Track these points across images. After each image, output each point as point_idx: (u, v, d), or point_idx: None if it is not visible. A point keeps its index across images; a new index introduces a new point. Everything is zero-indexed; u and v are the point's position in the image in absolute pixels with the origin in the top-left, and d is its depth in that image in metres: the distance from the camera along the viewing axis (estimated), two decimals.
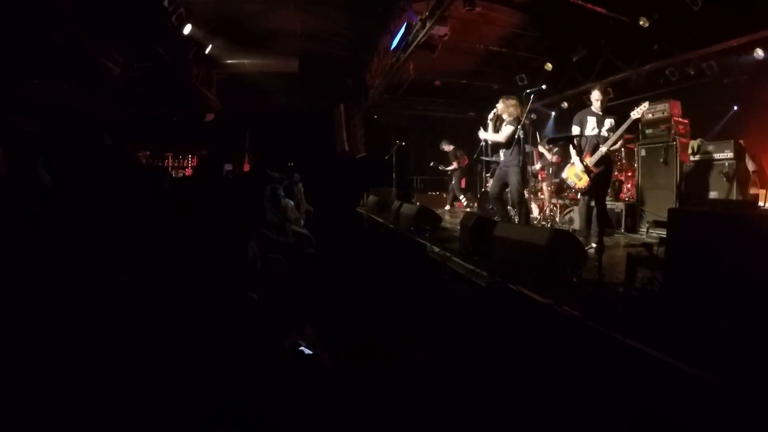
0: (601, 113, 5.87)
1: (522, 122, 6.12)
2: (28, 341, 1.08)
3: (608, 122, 5.80)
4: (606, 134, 5.75)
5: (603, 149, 5.66)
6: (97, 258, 1.26)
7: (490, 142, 7.01)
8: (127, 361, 1.25)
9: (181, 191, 2.78)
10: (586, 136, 5.90)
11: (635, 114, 5.71)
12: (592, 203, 5.87)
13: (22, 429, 0.93)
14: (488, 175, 10.40)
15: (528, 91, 6.27)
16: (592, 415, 2.58)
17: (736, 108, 8.89)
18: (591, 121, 5.88)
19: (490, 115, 6.81)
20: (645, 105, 5.83)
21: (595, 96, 5.93)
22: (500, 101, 6.56)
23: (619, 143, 5.93)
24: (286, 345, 2.17)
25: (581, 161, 5.79)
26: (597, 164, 5.74)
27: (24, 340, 1.07)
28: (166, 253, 1.73)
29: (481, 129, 6.89)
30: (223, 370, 1.48)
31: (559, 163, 8.92)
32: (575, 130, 5.98)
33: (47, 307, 1.15)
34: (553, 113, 13.01)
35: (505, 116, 6.50)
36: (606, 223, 5.95)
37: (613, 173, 6.07)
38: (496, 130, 6.63)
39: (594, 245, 5.40)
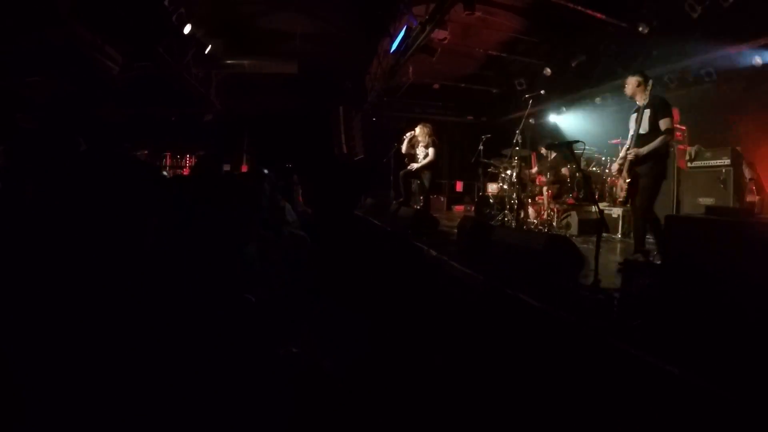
0: (642, 104, 4.99)
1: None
2: (24, 342, 1.08)
3: (646, 115, 4.92)
4: (644, 131, 4.92)
5: (629, 155, 4.93)
6: (92, 259, 1.25)
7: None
8: (123, 362, 1.24)
9: (179, 191, 2.77)
10: (630, 137, 5.10)
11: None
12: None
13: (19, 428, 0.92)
14: (486, 179, 10.43)
15: (527, 95, 6.32)
16: (589, 419, 2.58)
17: (735, 114, 8.91)
18: (632, 120, 5.15)
19: (408, 135, 8.97)
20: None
21: (627, 89, 5.15)
22: (419, 128, 8.73)
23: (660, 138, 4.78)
24: (281, 351, 2.17)
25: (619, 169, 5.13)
26: (629, 169, 4.96)
27: (20, 340, 1.07)
28: (164, 254, 1.72)
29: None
30: (220, 372, 1.48)
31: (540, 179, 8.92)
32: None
33: (44, 306, 1.15)
34: (552, 118, 13.03)
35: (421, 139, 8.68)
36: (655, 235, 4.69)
37: (658, 172, 4.86)
38: (413, 150, 8.92)
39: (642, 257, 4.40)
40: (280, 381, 1.75)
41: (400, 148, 9.27)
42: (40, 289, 1.16)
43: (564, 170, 8.75)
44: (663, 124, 4.79)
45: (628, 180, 4.95)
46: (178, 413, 1.38)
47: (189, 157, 15.17)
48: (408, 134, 9.10)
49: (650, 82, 4.98)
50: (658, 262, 3.74)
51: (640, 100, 4.98)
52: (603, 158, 8.74)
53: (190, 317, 1.66)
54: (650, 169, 4.84)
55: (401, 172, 9.18)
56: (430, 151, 8.63)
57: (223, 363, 1.53)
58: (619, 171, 5.08)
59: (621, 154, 5.20)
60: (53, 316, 1.16)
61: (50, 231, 1.20)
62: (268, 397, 2.03)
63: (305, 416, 2.18)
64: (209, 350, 1.51)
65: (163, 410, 1.34)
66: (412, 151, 8.97)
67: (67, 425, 1.11)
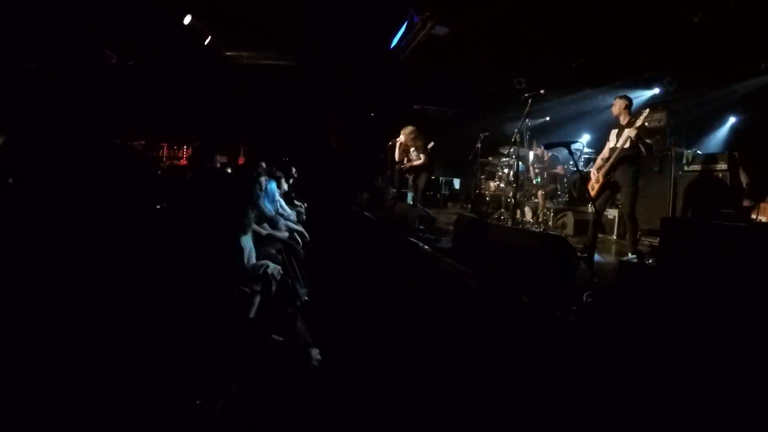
0: (623, 124, 5.71)
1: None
2: (24, 338, 1.07)
3: (626, 133, 5.57)
4: (626, 146, 5.56)
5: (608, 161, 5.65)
6: (91, 252, 1.24)
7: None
8: (119, 356, 1.24)
9: (175, 183, 2.76)
10: (609, 149, 5.80)
11: (638, 122, 5.52)
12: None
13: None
14: (483, 177, 10.43)
15: (526, 95, 6.32)
16: (581, 417, 2.60)
17: (733, 120, 8.94)
18: (612, 134, 5.86)
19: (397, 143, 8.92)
20: (645, 112, 5.63)
21: (613, 109, 5.87)
22: (403, 134, 8.71)
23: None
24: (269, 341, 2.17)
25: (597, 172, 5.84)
26: (606, 174, 5.66)
27: (20, 337, 1.06)
28: (159, 247, 1.72)
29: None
30: (213, 365, 1.48)
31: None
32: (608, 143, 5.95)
33: (43, 303, 1.14)
34: (549, 118, 13.04)
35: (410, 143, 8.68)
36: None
37: (627, 180, 5.58)
38: (405, 156, 8.92)
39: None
40: (270, 371, 1.75)
41: (395, 147, 9.19)
42: (38, 283, 1.15)
43: (560, 170, 8.77)
44: (648, 141, 5.53)
45: (600, 182, 5.67)
46: (174, 404, 1.38)
47: (186, 148, 15.11)
48: (396, 142, 9.02)
49: (633, 103, 5.75)
50: (653, 263, 3.80)
51: (624, 120, 5.66)
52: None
53: (184, 311, 1.66)
54: (633, 177, 5.53)
55: (396, 167, 9.21)
56: (422, 156, 8.66)
57: (218, 355, 1.53)
58: (596, 175, 5.76)
59: (598, 163, 5.91)
60: (51, 310, 1.15)
61: (49, 223, 1.19)
62: (259, 387, 2.03)
63: (294, 404, 2.18)
64: (204, 343, 1.50)
65: (155, 403, 1.34)
66: (406, 156, 8.93)
67: (64, 415, 1.11)
